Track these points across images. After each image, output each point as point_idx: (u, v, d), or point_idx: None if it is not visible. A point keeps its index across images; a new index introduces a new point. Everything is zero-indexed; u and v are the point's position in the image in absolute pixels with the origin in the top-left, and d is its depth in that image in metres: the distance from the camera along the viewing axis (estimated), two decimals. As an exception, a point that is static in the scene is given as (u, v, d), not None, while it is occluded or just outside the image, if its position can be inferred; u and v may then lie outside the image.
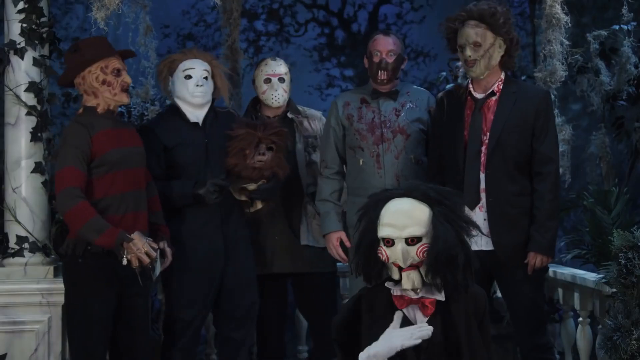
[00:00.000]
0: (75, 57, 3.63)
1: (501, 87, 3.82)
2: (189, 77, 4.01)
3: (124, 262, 3.43)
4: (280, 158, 4.07)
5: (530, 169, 3.80)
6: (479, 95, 3.83)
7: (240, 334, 4.06)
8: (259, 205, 4.13)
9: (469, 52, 3.76)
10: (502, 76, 3.86)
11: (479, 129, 3.78)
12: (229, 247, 4.01)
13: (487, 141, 3.76)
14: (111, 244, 3.44)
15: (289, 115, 4.40)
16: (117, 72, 3.63)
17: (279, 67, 4.38)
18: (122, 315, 3.64)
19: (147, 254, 3.44)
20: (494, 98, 3.81)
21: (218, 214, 3.99)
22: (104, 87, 3.61)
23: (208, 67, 4.07)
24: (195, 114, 4.04)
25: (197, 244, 3.93)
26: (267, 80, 4.35)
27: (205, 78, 4.03)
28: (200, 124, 4.04)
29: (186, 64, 4.03)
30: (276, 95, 4.34)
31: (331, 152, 4.22)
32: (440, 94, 4.06)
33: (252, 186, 4.02)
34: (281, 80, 4.36)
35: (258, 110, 4.43)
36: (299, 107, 4.49)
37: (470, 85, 3.87)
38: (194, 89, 4.00)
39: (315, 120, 4.50)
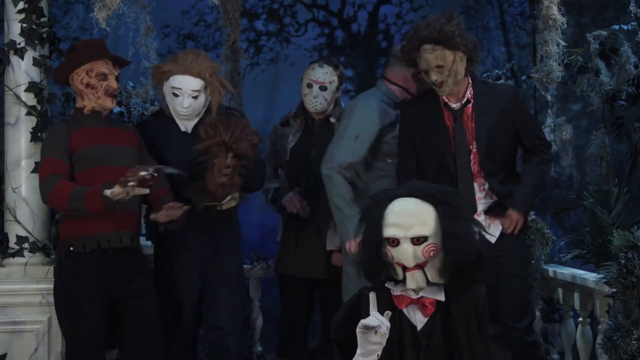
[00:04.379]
0: (69, 57, 3.68)
1: (472, 92, 3.83)
2: (176, 95, 3.87)
3: (131, 194, 3.29)
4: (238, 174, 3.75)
5: (514, 159, 3.92)
6: (455, 105, 3.83)
7: (226, 341, 3.95)
8: (234, 202, 3.94)
9: (434, 76, 3.73)
10: (470, 80, 3.86)
11: (464, 140, 3.80)
12: (215, 253, 3.94)
13: (474, 150, 3.79)
14: (99, 201, 3.34)
15: (332, 120, 4.42)
16: (103, 77, 3.61)
17: (324, 75, 4.36)
18: (123, 318, 3.63)
19: (141, 174, 3.29)
20: (469, 105, 3.82)
21: (204, 221, 3.88)
22: (88, 90, 3.62)
23: (199, 85, 3.83)
24: (184, 124, 3.95)
25: (183, 251, 3.88)
26: (309, 85, 4.37)
27: (195, 97, 3.85)
28: (190, 132, 3.93)
29: (175, 80, 3.84)
30: (314, 101, 4.36)
31: (359, 157, 4.06)
32: (404, 104, 4.03)
33: (224, 205, 3.88)
34: (323, 88, 4.35)
35: (306, 110, 4.45)
36: None
37: (444, 96, 3.83)
38: (180, 109, 3.87)
39: None
